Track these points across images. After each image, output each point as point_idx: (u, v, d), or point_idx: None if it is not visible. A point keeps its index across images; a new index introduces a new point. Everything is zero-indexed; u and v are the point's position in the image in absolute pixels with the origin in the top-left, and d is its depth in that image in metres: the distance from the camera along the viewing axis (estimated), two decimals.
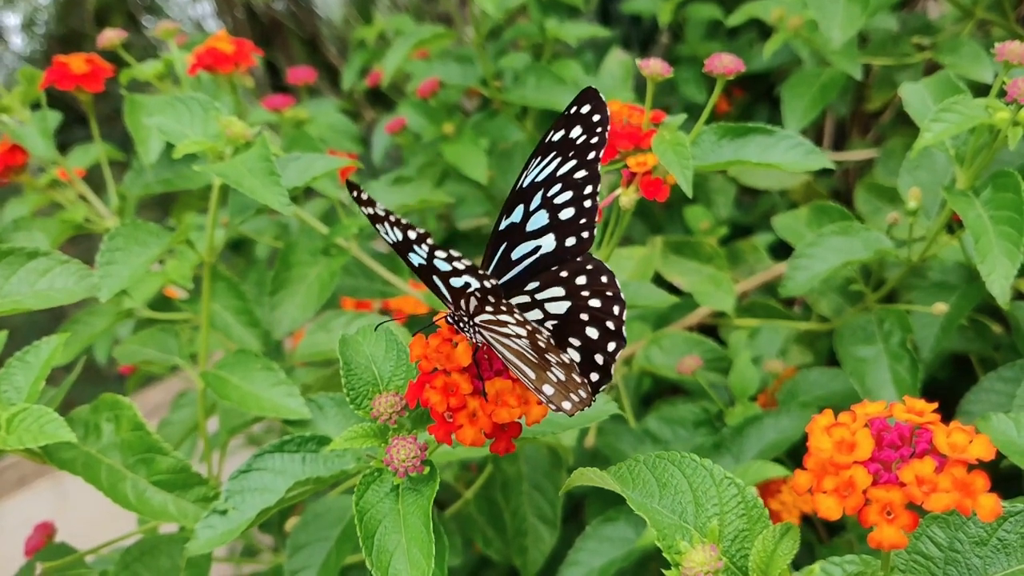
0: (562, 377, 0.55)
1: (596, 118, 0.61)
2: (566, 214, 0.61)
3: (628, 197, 0.80)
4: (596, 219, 0.61)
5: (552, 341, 0.55)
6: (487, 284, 0.55)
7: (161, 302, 1.15)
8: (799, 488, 0.45)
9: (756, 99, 1.82)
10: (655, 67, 0.79)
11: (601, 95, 0.61)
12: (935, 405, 0.45)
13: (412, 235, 0.54)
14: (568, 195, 0.61)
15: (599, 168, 0.60)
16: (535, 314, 0.60)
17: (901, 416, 0.45)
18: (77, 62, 1.02)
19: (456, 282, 0.57)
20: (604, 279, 0.59)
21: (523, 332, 0.55)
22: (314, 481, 0.64)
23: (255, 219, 1.27)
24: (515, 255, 0.62)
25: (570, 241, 0.61)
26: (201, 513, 0.71)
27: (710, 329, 1.29)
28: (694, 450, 1.00)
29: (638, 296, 0.97)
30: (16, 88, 1.05)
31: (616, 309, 0.58)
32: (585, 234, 0.61)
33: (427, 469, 0.58)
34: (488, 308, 0.56)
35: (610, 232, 0.89)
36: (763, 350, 1.13)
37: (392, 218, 0.54)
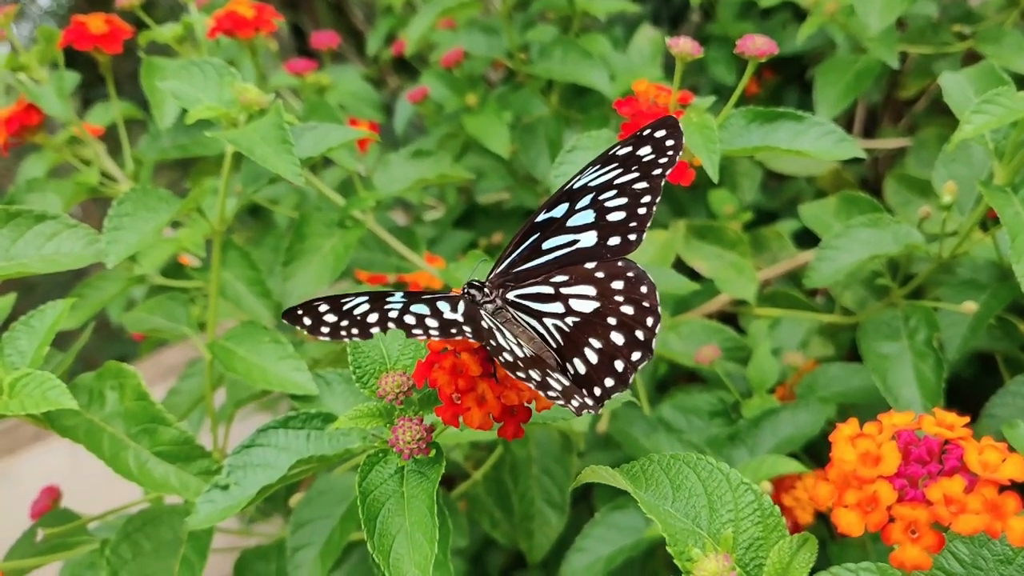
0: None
1: (670, 143, 0.59)
2: (615, 216, 0.59)
3: None
4: (647, 226, 0.59)
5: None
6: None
7: (176, 268, 1.13)
8: (820, 501, 0.42)
9: (787, 82, 1.78)
10: (685, 46, 0.76)
11: (680, 126, 0.60)
12: (966, 419, 0.43)
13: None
14: (622, 200, 0.60)
15: (662, 183, 0.59)
16: (556, 307, 0.58)
17: (930, 429, 0.43)
18: (96, 22, 1.00)
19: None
20: (644, 289, 0.57)
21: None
22: (317, 460, 0.62)
23: (272, 187, 1.25)
24: (547, 245, 0.61)
25: (614, 240, 0.59)
26: (203, 486, 0.70)
27: (730, 317, 1.27)
28: (709, 441, 0.98)
29: (657, 281, 0.94)
30: (35, 46, 1.03)
31: (650, 321, 0.57)
32: (632, 236, 0.59)
33: (433, 452, 0.57)
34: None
35: None
36: (783, 341, 1.11)
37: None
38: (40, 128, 1.03)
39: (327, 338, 0.52)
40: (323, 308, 0.53)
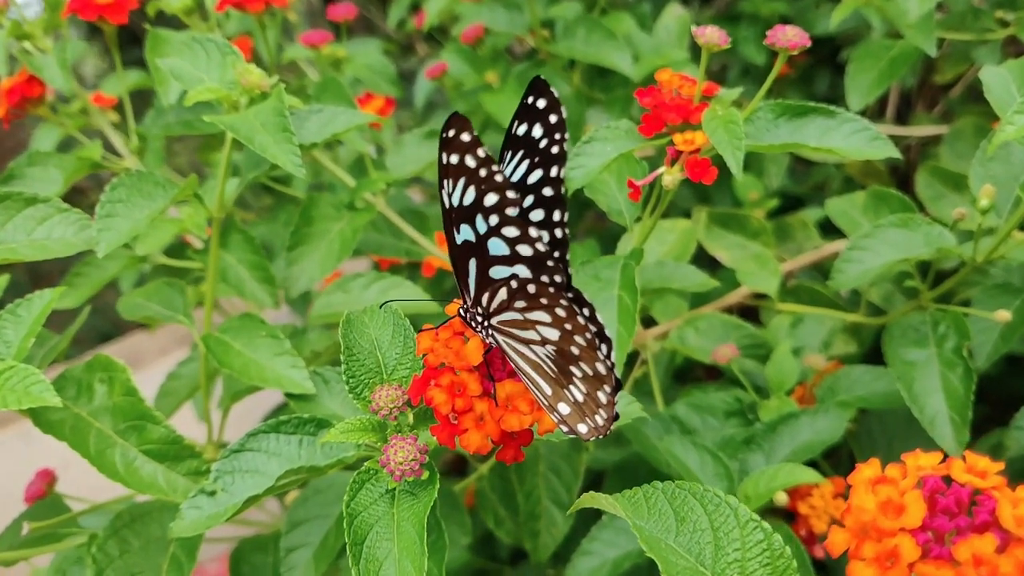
0: (580, 397, 0.49)
1: (553, 119, 0.52)
2: (541, 244, 0.52)
3: (671, 177, 0.74)
4: (567, 254, 0.53)
5: (596, 341, 0.49)
6: (557, 279, 0.49)
7: (181, 246, 1.11)
8: (834, 549, 0.39)
9: (818, 62, 1.73)
10: (711, 36, 0.72)
11: (553, 90, 0.52)
12: (1000, 466, 0.39)
13: (493, 199, 0.47)
14: (540, 214, 0.53)
15: (564, 190, 0.53)
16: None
17: (960, 476, 0.39)
18: None
19: (498, 272, 0.50)
20: (586, 311, 0.52)
21: (554, 335, 0.49)
22: (307, 470, 0.59)
23: None
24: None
25: (544, 279, 0.52)
26: (191, 487, 0.68)
27: (751, 309, 1.23)
28: (724, 442, 0.95)
29: (675, 277, 0.92)
30: (39, 16, 1.00)
31: (604, 349, 0.51)
32: (559, 277, 0.52)
33: (426, 473, 0.53)
34: (519, 303, 0.50)
35: (651, 206, 0.83)
36: (805, 341, 1.06)
37: (484, 171, 0.46)
38: (42, 100, 1.00)
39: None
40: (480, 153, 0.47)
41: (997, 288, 0.91)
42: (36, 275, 2.72)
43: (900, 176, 1.55)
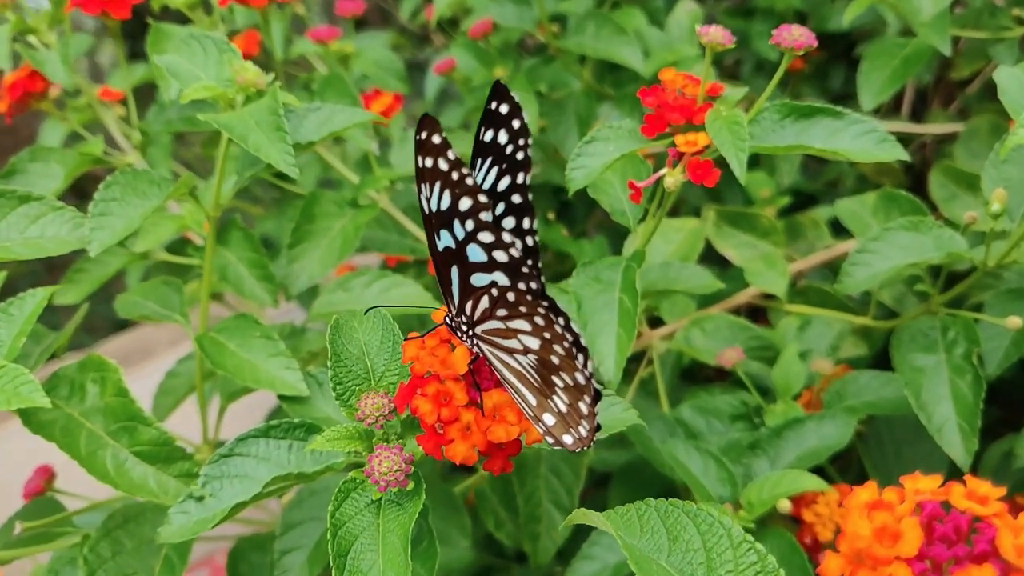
0: (564, 408, 0.48)
1: (516, 125, 0.51)
2: (514, 251, 0.51)
3: (674, 178, 0.73)
4: (539, 261, 0.53)
5: (573, 351, 0.48)
6: (532, 285, 0.48)
7: (183, 241, 1.10)
8: None
9: (833, 58, 1.70)
10: (715, 35, 0.71)
11: (513, 94, 0.51)
12: (1002, 491, 0.38)
13: (466, 204, 0.46)
14: (511, 222, 0.53)
15: (530, 197, 0.52)
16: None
17: (959, 503, 0.38)
18: None
19: (479, 279, 0.49)
20: (561, 320, 0.50)
21: (535, 344, 0.48)
22: (296, 476, 0.59)
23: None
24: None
25: (521, 286, 0.51)
26: (182, 489, 0.67)
27: (759, 309, 1.21)
28: (728, 446, 0.94)
29: (680, 279, 0.90)
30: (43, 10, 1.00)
31: (580, 359, 0.50)
32: (534, 284, 0.51)
33: (412, 484, 0.52)
34: (500, 312, 0.49)
35: (655, 205, 0.82)
36: (813, 344, 1.05)
37: (456, 175, 0.46)
38: (44, 95, 0.99)
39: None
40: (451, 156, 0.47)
41: (1010, 293, 0.89)
42: (51, 265, 2.73)
43: (915, 174, 1.53)
